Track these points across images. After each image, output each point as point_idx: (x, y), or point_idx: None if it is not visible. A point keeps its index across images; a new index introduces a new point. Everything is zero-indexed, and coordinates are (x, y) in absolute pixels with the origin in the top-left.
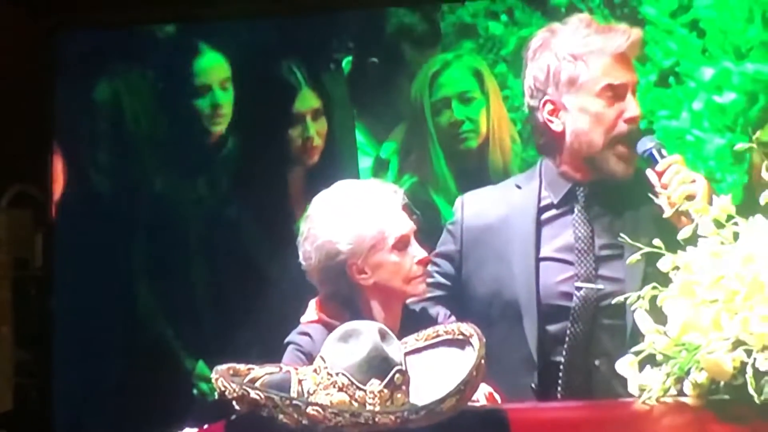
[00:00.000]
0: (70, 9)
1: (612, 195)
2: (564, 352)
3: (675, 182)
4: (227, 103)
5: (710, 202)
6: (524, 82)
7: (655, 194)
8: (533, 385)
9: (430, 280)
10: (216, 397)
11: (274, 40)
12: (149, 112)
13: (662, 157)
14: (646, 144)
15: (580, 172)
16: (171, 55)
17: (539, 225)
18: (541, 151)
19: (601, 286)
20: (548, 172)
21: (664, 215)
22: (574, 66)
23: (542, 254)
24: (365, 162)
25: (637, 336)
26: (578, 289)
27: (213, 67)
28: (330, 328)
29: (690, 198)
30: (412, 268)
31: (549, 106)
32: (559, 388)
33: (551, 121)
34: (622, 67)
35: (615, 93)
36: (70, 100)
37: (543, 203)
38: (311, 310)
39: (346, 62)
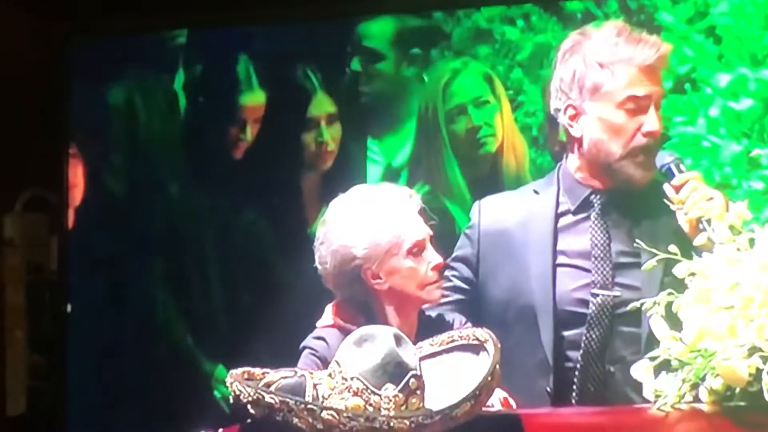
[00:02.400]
0: (86, 15)
1: (629, 203)
2: (579, 358)
3: (691, 200)
4: (253, 134)
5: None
6: (551, 84)
7: (671, 203)
8: (548, 389)
9: (448, 284)
10: (231, 401)
11: (289, 44)
12: (164, 117)
13: (680, 172)
14: (664, 158)
15: (597, 179)
16: (186, 60)
17: (556, 231)
18: (556, 157)
19: (617, 293)
20: (566, 179)
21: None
22: (599, 73)
23: (559, 260)
24: (375, 170)
25: (653, 343)
26: (594, 296)
27: (254, 104)
28: (345, 333)
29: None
30: (428, 274)
31: (570, 111)
32: (573, 393)
33: (571, 126)
34: (648, 80)
35: (637, 105)
36: (85, 104)
37: (560, 209)
38: (327, 315)
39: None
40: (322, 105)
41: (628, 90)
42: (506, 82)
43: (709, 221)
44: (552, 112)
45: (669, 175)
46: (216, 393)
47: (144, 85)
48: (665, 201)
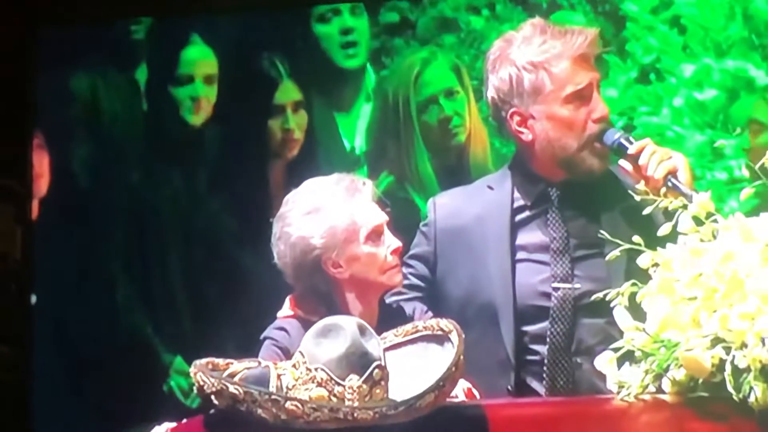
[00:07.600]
0: (51, 3)
1: (585, 195)
2: (546, 353)
3: (654, 161)
4: (209, 96)
5: (692, 176)
6: (487, 95)
7: (635, 190)
8: (509, 387)
9: (405, 282)
10: (195, 391)
11: (256, 32)
12: (128, 106)
13: (631, 143)
14: (612, 135)
15: (553, 172)
16: (156, 46)
17: (514, 227)
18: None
19: (578, 286)
20: (520, 173)
21: (647, 210)
22: (535, 75)
23: (518, 256)
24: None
25: (618, 335)
26: (556, 289)
27: (199, 59)
28: (305, 324)
29: (672, 173)
30: (387, 258)
31: (517, 117)
32: (543, 388)
33: (521, 132)
34: (584, 68)
35: (581, 96)
36: (50, 94)
37: (516, 205)
38: (287, 306)
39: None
40: (288, 92)
41: (569, 86)
42: (471, 71)
43: (676, 176)
44: (491, 119)
45: (622, 149)
46: (175, 383)
47: (109, 74)
48: (630, 192)
